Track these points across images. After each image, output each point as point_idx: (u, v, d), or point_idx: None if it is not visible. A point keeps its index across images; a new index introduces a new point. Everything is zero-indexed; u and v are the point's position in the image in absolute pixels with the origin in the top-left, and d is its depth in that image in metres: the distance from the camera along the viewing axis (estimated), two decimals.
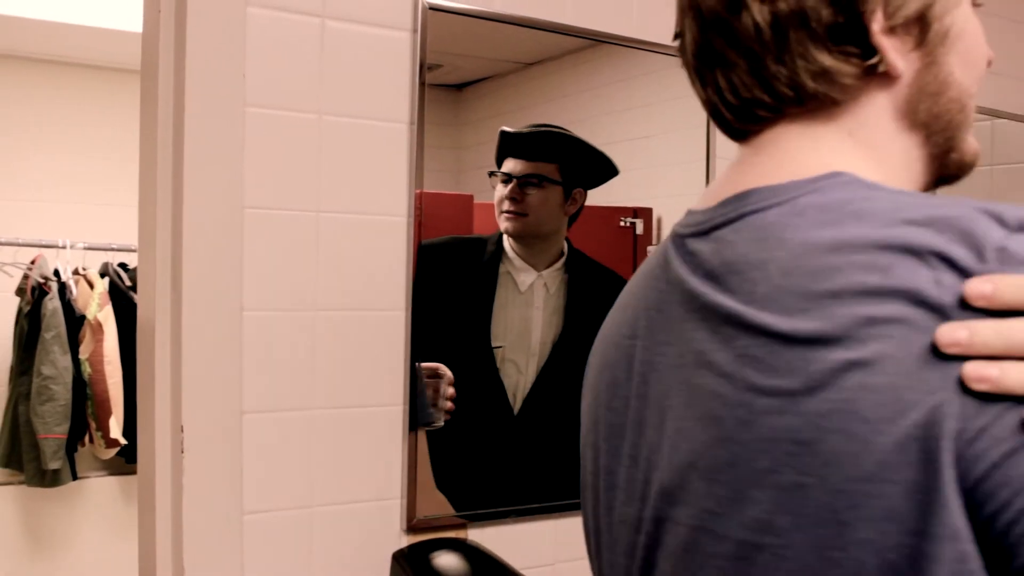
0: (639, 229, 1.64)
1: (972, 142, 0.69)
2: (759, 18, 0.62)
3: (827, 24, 0.61)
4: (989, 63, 0.69)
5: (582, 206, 1.56)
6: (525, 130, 1.50)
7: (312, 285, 1.32)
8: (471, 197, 1.47)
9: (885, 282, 0.52)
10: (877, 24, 0.61)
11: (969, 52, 0.66)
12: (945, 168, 0.68)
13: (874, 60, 0.61)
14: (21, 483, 3.24)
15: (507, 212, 1.49)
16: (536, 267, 1.53)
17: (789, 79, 0.62)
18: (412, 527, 1.39)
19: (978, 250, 0.50)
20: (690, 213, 0.68)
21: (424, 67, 1.37)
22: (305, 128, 1.30)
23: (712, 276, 0.62)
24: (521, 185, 1.49)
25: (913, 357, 0.50)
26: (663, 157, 1.65)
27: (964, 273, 0.50)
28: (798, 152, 0.64)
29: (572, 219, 1.56)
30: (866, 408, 0.52)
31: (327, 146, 1.32)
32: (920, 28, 0.62)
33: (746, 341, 0.59)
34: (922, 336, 0.50)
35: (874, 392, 0.52)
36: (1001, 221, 0.50)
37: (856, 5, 0.60)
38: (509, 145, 1.49)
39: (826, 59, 0.61)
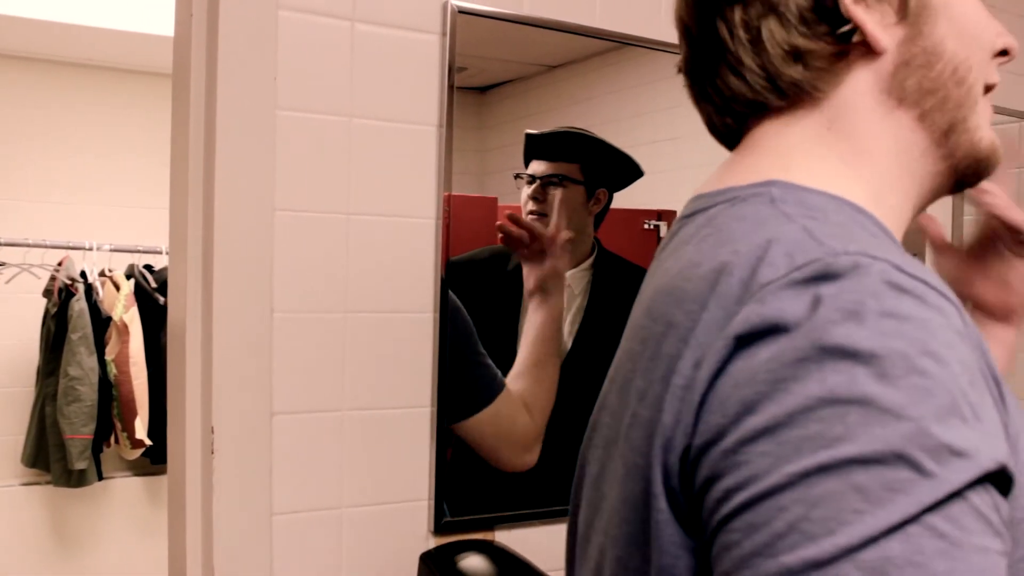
0: (663, 232, 1.63)
1: (986, 131, 0.65)
2: (734, 21, 0.62)
3: (798, 8, 0.60)
4: (1007, 52, 0.66)
5: (608, 207, 1.56)
6: (547, 132, 1.50)
7: (342, 287, 1.32)
8: (496, 199, 1.47)
9: (678, 319, 0.55)
10: None
11: (961, 23, 0.63)
12: (954, 157, 0.64)
13: (845, 29, 0.59)
14: (47, 483, 3.27)
15: (531, 212, 1.50)
16: None
17: (762, 67, 0.61)
18: (440, 528, 1.40)
19: (743, 286, 0.51)
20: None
21: (453, 70, 1.38)
22: (335, 131, 1.31)
23: (656, 259, 0.68)
24: (543, 185, 1.50)
25: (666, 397, 0.53)
26: (689, 160, 1.65)
27: (717, 307, 0.52)
28: (764, 153, 0.64)
29: (599, 220, 1.56)
30: (635, 438, 0.56)
31: (357, 149, 1.33)
32: None
33: (628, 345, 0.63)
34: (676, 376, 0.53)
35: (639, 425, 0.56)
36: (790, 261, 0.50)
37: None
38: (533, 147, 1.49)
39: (797, 39, 0.60)
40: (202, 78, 1.27)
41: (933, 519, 0.42)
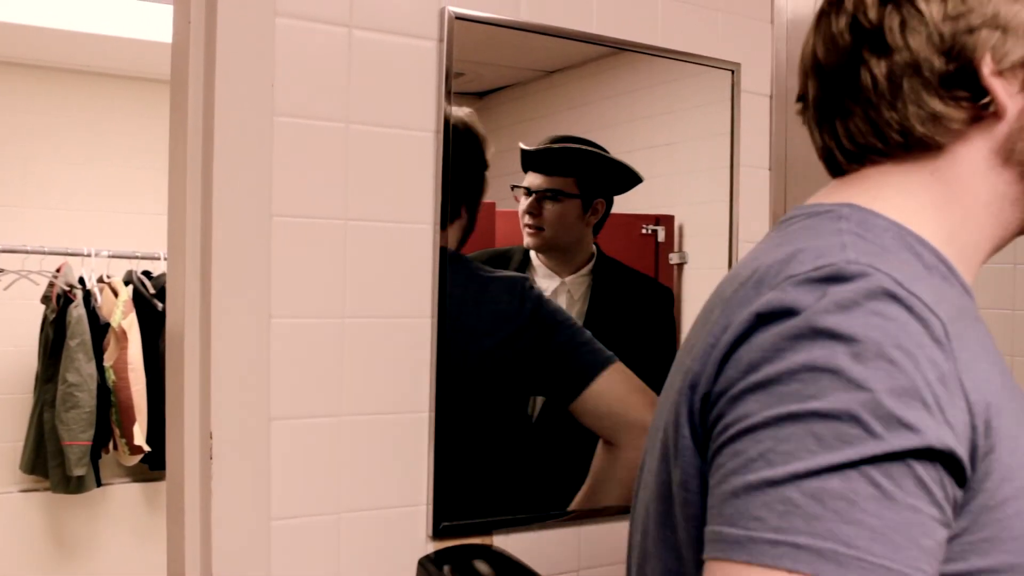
0: (661, 237, 1.64)
1: None
2: (877, 72, 0.69)
3: (939, 73, 0.67)
4: None
5: (607, 214, 1.56)
6: (542, 146, 1.50)
7: (339, 292, 1.33)
8: (493, 205, 1.47)
9: (727, 294, 0.67)
10: (987, 68, 0.66)
11: None
12: None
13: (986, 100, 0.67)
14: (46, 489, 3.27)
15: (527, 226, 1.50)
16: (560, 274, 1.54)
17: (900, 124, 0.69)
18: (438, 533, 1.40)
19: (774, 276, 0.62)
20: None
21: (451, 76, 1.38)
22: (333, 137, 1.31)
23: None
24: (538, 200, 1.50)
25: (701, 350, 0.66)
26: (686, 164, 1.65)
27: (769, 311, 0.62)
28: (864, 185, 0.72)
29: (598, 227, 1.56)
30: (677, 382, 0.70)
31: (354, 155, 1.33)
32: None
33: (698, 317, 0.75)
34: (710, 336, 0.66)
35: (682, 373, 0.69)
36: (814, 261, 0.61)
37: (966, 54, 0.67)
38: (528, 160, 1.49)
39: (937, 104, 0.68)
40: (200, 84, 1.27)
41: (872, 471, 0.53)
